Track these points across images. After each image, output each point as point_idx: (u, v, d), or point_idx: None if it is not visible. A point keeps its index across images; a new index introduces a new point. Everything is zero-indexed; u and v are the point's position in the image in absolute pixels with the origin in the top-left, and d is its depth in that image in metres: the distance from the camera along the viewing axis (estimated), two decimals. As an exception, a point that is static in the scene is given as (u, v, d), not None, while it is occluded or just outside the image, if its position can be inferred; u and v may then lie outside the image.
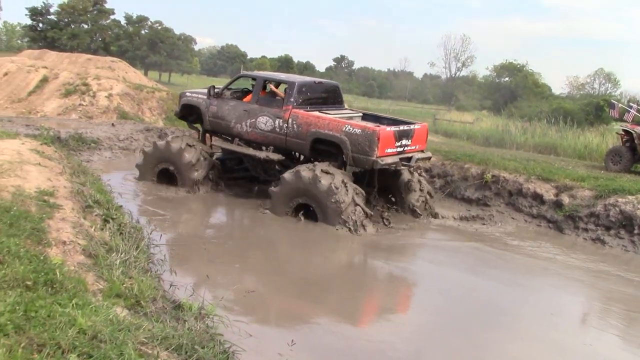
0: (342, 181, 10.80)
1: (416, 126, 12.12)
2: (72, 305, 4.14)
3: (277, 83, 12.74)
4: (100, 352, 3.60)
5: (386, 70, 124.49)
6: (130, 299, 5.10)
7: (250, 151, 12.44)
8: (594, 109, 36.29)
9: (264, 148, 12.48)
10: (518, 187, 13.69)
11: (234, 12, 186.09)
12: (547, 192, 13.32)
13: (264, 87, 12.60)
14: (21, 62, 27.52)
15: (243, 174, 13.80)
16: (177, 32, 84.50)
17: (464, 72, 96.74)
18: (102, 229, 6.92)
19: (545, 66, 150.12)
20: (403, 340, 6.69)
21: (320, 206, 10.82)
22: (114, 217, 7.56)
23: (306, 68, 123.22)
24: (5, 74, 25.31)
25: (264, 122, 12.04)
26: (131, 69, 32.98)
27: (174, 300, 5.84)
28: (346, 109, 13.43)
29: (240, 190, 13.28)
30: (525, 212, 13.38)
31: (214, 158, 13.27)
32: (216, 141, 13.22)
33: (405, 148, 11.64)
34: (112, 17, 79.83)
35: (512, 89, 58.96)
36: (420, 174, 12.98)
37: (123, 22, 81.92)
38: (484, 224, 12.76)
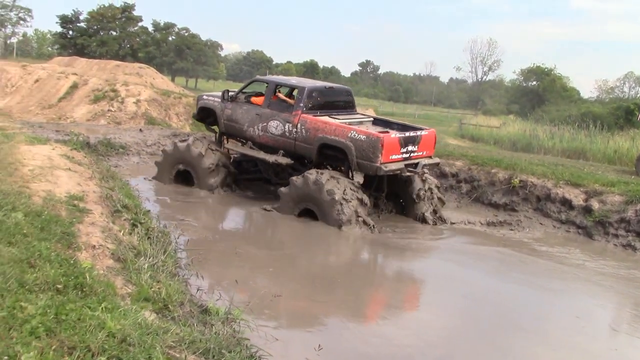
0: (346, 191, 10.92)
1: (424, 132, 12.12)
2: (102, 308, 4.19)
3: (290, 89, 13.02)
4: (129, 355, 3.63)
5: (412, 74, 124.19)
6: (158, 302, 5.14)
7: (261, 155, 12.57)
8: (624, 112, 35.66)
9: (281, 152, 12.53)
10: (546, 192, 13.53)
11: (260, 18, 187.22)
12: (576, 197, 13.14)
13: (276, 92, 12.80)
14: (52, 69, 28.03)
15: (259, 176, 13.94)
16: (203, 38, 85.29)
17: (490, 76, 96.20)
18: (130, 233, 6.99)
19: (573, 70, 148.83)
20: (430, 345, 6.63)
21: (323, 213, 10.98)
22: (142, 221, 7.64)
23: (331, 73, 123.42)
24: (36, 80, 25.79)
25: (275, 126, 12.28)
26: (158, 75, 33.40)
27: (201, 304, 5.87)
28: (357, 113, 13.47)
29: (257, 192, 13.43)
30: (554, 217, 13.20)
31: (231, 160, 13.53)
32: (230, 144, 13.54)
33: (412, 154, 11.71)
34: (140, 24, 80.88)
35: (540, 93, 58.29)
36: (433, 183, 12.79)
37: (151, 28, 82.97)
38: (511, 230, 12.63)
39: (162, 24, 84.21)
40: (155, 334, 4.13)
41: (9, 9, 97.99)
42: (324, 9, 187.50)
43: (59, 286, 4.39)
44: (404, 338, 6.77)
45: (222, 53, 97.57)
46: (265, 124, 12.45)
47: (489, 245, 11.46)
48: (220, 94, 13.64)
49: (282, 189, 11.64)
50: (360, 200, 11.07)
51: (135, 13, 79.41)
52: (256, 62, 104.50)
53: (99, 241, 5.97)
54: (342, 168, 11.87)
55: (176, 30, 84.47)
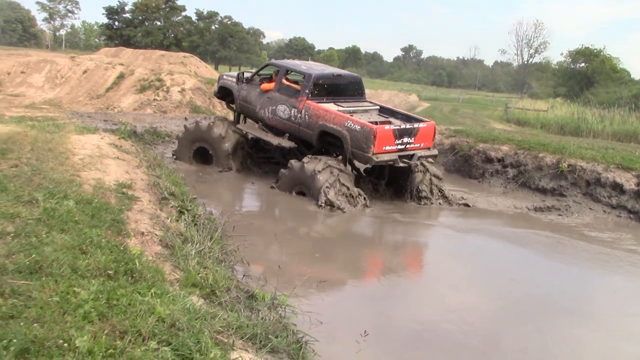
0: (324, 166, 11.40)
1: (421, 125, 12.25)
2: (151, 294, 4.27)
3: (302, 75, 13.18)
4: (179, 339, 3.70)
5: (455, 58, 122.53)
6: (205, 288, 5.22)
7: (268, 137, 13.08)
8: (678, 93, 34.45)
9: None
10: (596, 177, 13.22)
11: (302, 5, 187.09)
12: (628, 181, 12.80)
13: (286, 77, 13.19)
14: (99, 60, 28.60)
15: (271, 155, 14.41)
16: (246, 26, 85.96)
17: (536, 59, 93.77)
18: (177, 220, 7.10)
19: (624, 50, 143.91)
20: (474, 328, 6.58)
21: (312, 196, 11.44)
22: (189, 208, 7.75)
23: (373, 58, 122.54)
24: (85, 72, 26.36)
25: (282, 110, 12.79)
26: (202, 63, 33.76)
27: (247, 290, 5.93)
28: (365, 101, 13.65)
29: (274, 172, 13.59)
30: (604, 202, 12.91)
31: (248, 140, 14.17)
32: (241, 124, 14.07)
33: (407, 145, 11.87)
34: (183, 13, 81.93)
35: (589, 75, 56.51)
36: (434, 172, 12.88)
37: (194, 18, 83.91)
38: (560, 215, 12.38)
39: (205, 13, 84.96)
40: (203, 319, 4.19)
41: (58, 2, 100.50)
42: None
43: (110, 272, 4.49)
44: (448, 321, 6.72)
45: (265, 41, 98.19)
46: (274, 107, 12.96)
47: (536, 229, 11.28)
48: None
49: (283, 170, 12.13)
50: (346, 187, 11.43)
51: (178, 3, 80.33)
52: (298, 49, 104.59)
53: (148, 228, 6.08)
54: (340, 155, 12.13)
55: (219, 19, 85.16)
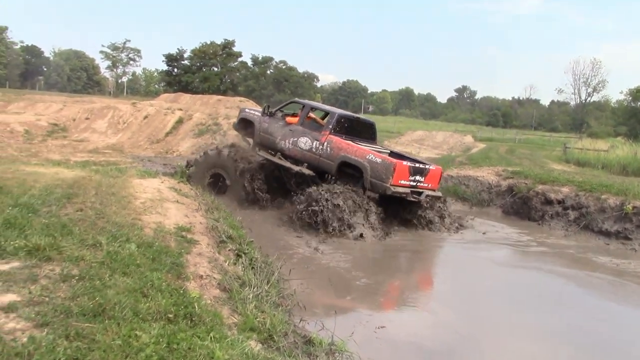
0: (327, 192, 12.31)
1: (431, 167, 13.59)
2: (210, 338, 4.28)
3: (324, 113, 14.90)
4: (238, 385, 3.68)
5: (510, 98, 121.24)
6: (263, 333, 5.20)
7: (288, 164, 14.19)
8: None
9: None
10: (664, 219, 12.71)
11: (355, 48, 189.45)
12: (698, 224, 12.25)
13: (309, 114, 14.54)
14: (159, 105, 29.56)
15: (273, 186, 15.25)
16: (300, 70, 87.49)
17: (595, 98, 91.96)
18: (235, 263, 7.15)
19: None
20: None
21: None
22: (246, 251, 7.81)
23: (427, 99, 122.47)
24: (145, 117, 27.27)
25: (304, 142, 14.05)
26: (258, 107, 34.37)
27: (305, 335, 5.88)
28: (377, 145, 14.93)
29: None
30: (674, 246, 12.37)
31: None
32: (261, 152, 14.96)
33: (418, 183, 13.08)
34: (239, 59, 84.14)
35: (651, 113, 54.99)
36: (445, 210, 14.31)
37: (250, 63, 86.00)
38: (626, 260, 11.91)
39: (260, 58, 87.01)
40: (261, 364, 4.17)
41: (120, 50, 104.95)
42: (418, 37, 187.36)
43: (170, 315, 4.53)
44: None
45: (319, 84, 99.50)
46: (296, 139, 14.22)
47: (600, 272, 10.88)
48: (259, 109, 15.87)
49: (300, 196, 12.78)
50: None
51: (235, 49, 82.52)
52: (351, 92, 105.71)
53: (206, 271, 6.14)
54: (352, 185, 12.86)
55: (274, 63, 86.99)
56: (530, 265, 11.39)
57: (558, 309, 9.12)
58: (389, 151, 14.82)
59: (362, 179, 12.79)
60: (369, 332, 6.86)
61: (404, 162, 12.95)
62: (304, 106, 14.96)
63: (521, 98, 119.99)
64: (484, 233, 13.91)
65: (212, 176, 14.77)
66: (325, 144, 13.58)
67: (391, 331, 7.29)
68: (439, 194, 13.95)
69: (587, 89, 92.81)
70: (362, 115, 15.93)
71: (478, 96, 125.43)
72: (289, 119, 14.68)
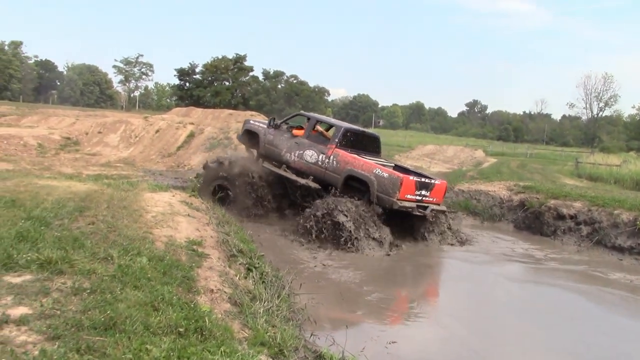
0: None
1: (437, 181, 13.61)
2: (221, 352, 4.27)
3: (329, 126, 15.21)
4: (248, 400, 3.66)
5: (521, 113, 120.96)
6: (273, 347, 5.18)
7: (293, 176, 14.08)
8: None
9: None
10: (679, 235, 12.58)
11: (366, 62, 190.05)
12: None
13: (315, 127, 14.60)
14: (170, 119, 29.75)
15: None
16: (311, 84, 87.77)
17: (607, 112, 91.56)
18: (245, 277, 7.14)
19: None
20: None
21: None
22: (257, 265, 7.81)
23: (438, 114, 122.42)
24: (157, 131, 27.44)
25: (310, 154, 14.13)
26: (265, 120, 34.50)
27: (315, 350, 5.85)
28: (381, 159, 14.95)
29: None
30: (688, 261, 12.23)
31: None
32: (266, 164, 14.95)
33: (424, 198, 13.12)
34: (250, 73, 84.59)
35: (664, 128, 54.65)
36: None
37: (261, 77, 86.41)
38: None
39: (271, 73, 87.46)
40: (272, 379, 4.15)
41: (133, 65, 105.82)
42: (429, 51, 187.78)
43: (180, 329, 4.53)
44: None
45: (329, 98, 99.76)
46: (302, 151, 14.31)
47: (613, 288, 10.77)
48: (265, 121, 15.92)
49: (308, 210, 12.67)
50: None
51: (246, 63, 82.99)
52: (362, 106, 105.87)
53: (217, 285, 6.13)
54: (358, 198, 12.82)
55: (285, 78, 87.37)
56: (543, 281, 11.33)
57: (570, 324, 9.02)
58: (393, 165, 14.89)
59: (368, 193, 12.83)
60: (380, 348, 6.81)
61: (411, 177, 13.01)
62: (309, 119, 15.07)
63: (532, 112, 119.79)
64: (494, 246, 13.88)
65: (216, 188, 14.65)
66: (332, 157, 13.66)
67: (402, 346, 7.23)
68: (444, 208, 14.04)
69: (598, 104, 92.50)
70: (368, 129, 16.06)
71: (489, 110, 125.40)
72: (295, 131, 14.77)
